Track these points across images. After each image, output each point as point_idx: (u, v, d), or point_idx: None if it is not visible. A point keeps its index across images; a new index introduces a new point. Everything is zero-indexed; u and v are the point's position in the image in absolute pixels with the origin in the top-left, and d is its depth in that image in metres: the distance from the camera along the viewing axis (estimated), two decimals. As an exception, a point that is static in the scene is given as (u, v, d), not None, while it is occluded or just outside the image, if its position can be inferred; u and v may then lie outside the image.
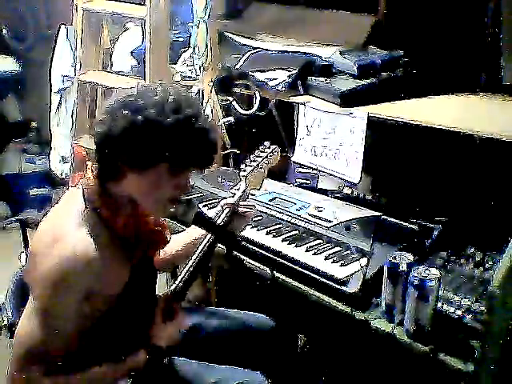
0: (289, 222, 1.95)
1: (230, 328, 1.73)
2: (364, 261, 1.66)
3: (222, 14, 2.64)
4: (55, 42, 3.22)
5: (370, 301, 1.59)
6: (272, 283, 1.65)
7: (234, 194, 1.63)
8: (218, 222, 1.54)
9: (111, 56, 3.02)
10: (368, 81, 2.00)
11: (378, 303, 1.57)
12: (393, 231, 1.81)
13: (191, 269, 1.47)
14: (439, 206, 1.84)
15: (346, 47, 2.17)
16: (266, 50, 2.32)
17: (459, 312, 1.44)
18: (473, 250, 1.71)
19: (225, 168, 2.41)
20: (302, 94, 2.12)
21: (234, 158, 2.46)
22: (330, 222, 1.90)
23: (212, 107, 2.38)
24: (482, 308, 1.40)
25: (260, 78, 2.17)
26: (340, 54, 2.11)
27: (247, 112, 2.32)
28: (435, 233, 1.77)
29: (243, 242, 1.77)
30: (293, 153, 2.22)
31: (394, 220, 1.86)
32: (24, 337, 1.26)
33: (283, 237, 1.86)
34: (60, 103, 3.31)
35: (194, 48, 2.35)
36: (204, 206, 2.08)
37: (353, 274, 1.63)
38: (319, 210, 1.97)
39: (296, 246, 1.80)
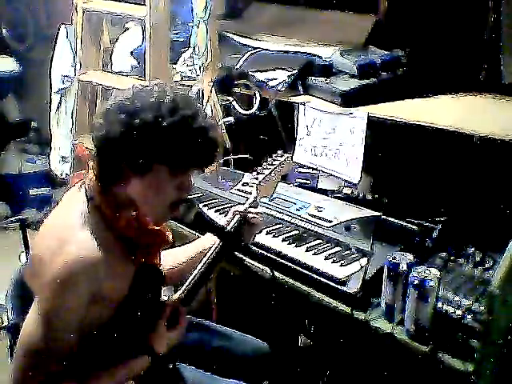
0: (289, 221, 1.95)
1: (228, 351, 1.70)
2: (364, 261, 1.66)
3: (222, 14, 2.65)
4: (55, 42, 3.21)
5: (370, 301, 1.59)
6: (272, 283, 1.65)
7: (245, 202, 1.62)
8: (228, 228, 1.53)
9: (111, 56, 3.02)
10: (368, 81, 2.00)
11: (378, 303, 1.58)
12: (393, 231, 1.81)
13: (198, 275, 1.46)
14: (439, 206, 1.83)
15: (345, 47, 2.17)
16: (266, 49, 2.32)
17: (459, 312, 1.44)
18: (473, 249, 1.71)
19: (225, 168, 2.41)
20: (301, 94, 2.12)
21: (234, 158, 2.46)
22: (329, 221, 1.89)
23: (212, 107, 2.38)
24: (482, 308, 1.40)
25: (260, 78, 2.17)
26: (340, 54, 2.11)
27: (247, 112, 2.32)
28: (435, 233, 1.76)
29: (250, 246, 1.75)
30: (293, 153, 2.22)
31: (394, 220, 1.86)
32: (28, 339, 1.25)
33: (283, 237, 1.86)
34: (60, 103, 3.30)
35: (194, 48, 2.35)
36: (204, 205, 2.08)
37: (353, 274, 1.63)
38: (319, 209, 1.97)
39: (296, 246, 1.80)
